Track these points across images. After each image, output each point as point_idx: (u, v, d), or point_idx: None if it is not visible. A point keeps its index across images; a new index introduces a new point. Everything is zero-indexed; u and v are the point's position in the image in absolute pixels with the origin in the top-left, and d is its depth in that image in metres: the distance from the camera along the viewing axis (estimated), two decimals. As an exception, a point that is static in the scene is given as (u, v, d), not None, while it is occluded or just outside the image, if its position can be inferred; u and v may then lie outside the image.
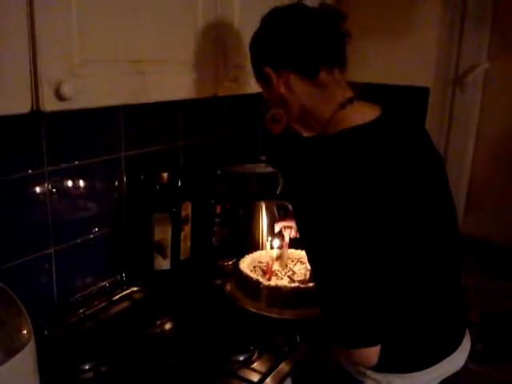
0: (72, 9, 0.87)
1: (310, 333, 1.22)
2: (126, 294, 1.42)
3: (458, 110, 1.85)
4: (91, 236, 1.39)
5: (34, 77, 0.83)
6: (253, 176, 1.75)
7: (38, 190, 1.22)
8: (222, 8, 1.21)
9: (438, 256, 1.02)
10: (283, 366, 1.12)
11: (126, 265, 1.50)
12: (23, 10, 0.79)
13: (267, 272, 1.41)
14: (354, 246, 0.88)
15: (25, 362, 0.82)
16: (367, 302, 0.89)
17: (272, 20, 1.04)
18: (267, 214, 1.64)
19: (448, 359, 1.02)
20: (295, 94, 1.02)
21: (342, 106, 0.99)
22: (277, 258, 1.51)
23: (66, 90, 0.85)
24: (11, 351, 0.78)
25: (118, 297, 1.40)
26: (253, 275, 1.37)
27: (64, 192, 1.29)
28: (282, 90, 1.02)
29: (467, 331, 1.10)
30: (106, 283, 1.44)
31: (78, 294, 1.37)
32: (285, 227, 1.51)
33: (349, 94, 1.01)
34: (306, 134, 1.10)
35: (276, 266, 1.47)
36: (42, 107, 0.84)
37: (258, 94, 1.26)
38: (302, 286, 1.32)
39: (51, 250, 1.28)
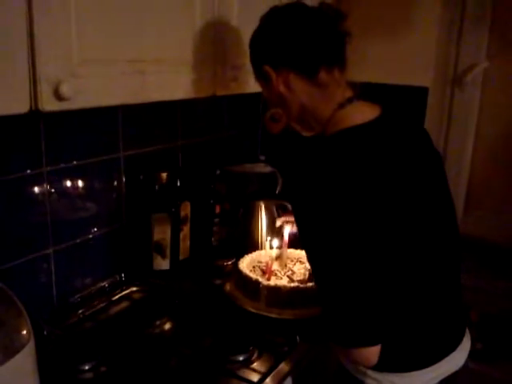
0: (71, 8, 0.86)
1: (310, 332, 1.22)
2: (126, 294, 1.42)
3: (457, 110, 1.85)
4: (90, 236, 1.38)
5: (32, 76, 0.82)
6: (252, 176, 1.75)
7: (36, 190, 1.22)
8: (221, 7, 1.20)
9: (438, 255, 1.02)
10: (283, 366, 1.12)
11: (125, 265, 1.49)
12: (22, 10, 0.79)
13: (266, 272, 1.41)
14: (354, 246, 0.88)
15: (24, 362, 0.81)
16: (367, 302, 0.89)
17: (272, 19, 1.03)
18: (266, 214, 1.64)
19: (447, 359, 1.02)
20: (295, 94, 1.01)
21: (342, 105, 0.99)
22: (276, 257, 1.51)
23: (64, 89, 0.85)
24: (11, 351, 0.78)
25: (117, 297, 1.40)
26: (252, 275, 1.36)
27: (63, 192, 1.29)
28: (282, 89, 1.02)
29: (467, 331, 1.10)
30: (105, 283, 1.44)
31: (78, 295, 1.37)
32: (286, 222, 1.51)
33: (348, 93, 1.01)
34: (305, 134, 1.10)
35: (275, 266, 1.47)
36: (40, 107, 0.84)
37: (257, 94, 1.26)
38: (302, 285, 1.32)
39: (50, 251, 1.28)
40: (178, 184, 1.54)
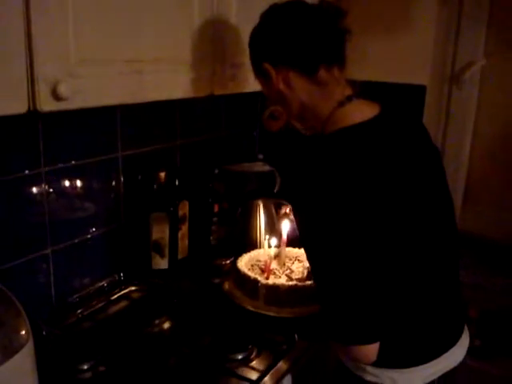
0: (68, 8, 0.86)
1: (309, 331, 1.22)
2: (124, 293, 1.42)
3: (454, 108, 1.86)
4: (89, 236, 1.38)
5: (30, 77, 0.82)
6: (250, 175, 1.75)
7: (35, 190, 1.22)
8: (219, 5, 1.20)
9: (436, 251, 1.02)
10: (282, 364, 1.12)
11: (123, 264, 1.49)
12: (19, 10, 0.79)
13: (265, 270, 1.42)
14: (352, 243, 0.88)
15: (23, 362, 0.81)
16: (366, 299, 0.90)
17: (271, 16, 1.03)
18: (265, 213, 1.64)
19: (446, 355, 1.02)
20: (294, 91, 1.01)
21: (341, 103, 0.99)
22: (275, 256, 1.51)
23: (62, 89, 0.85)
24: (10, 352, 0.78)
25: (116, 296, 1.40)
26: (251, 274, 1.37)
27: (61, 192, 1.29)
28: (281, 86, 1.02)
29: (466, 327, 1.10)
30: (103, 283, 1.44)
31: (76, 294, 1.37)
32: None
33: (348, 91, 1.01)
34: (305, 132, 1.10)
35: (274, 265, 1.47)
36: (38, 107, 0.84)
37: (255, 93, 1.26)
38: (300, 284, 1.32)
39: (49, 251, 1.27)
40: (177, 183, 1.55)
